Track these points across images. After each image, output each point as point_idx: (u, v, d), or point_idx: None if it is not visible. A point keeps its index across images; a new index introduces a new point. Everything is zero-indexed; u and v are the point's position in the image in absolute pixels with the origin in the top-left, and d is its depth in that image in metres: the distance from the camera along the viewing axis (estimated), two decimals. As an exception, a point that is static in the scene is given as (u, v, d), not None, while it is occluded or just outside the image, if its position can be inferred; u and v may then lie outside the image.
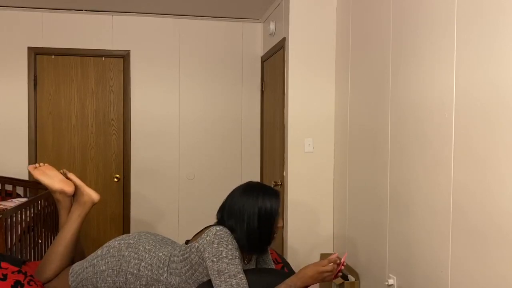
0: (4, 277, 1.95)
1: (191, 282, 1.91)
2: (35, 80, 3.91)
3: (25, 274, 2.03)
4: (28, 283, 2.00)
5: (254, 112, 4.23)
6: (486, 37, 1.67)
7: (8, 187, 3.74)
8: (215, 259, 1.79)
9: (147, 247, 2.02)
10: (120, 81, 4.06)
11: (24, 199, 3.34)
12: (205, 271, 1.86)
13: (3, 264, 2.01)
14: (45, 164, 2.30)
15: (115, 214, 4.10)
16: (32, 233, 2.92)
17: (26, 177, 3.87)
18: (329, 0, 3.22)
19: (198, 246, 1.86)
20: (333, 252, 3.25)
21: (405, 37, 2.26)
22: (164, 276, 1.93)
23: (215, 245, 1.81)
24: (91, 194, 2.26)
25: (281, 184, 3.41)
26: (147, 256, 1.98)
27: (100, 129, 4.06)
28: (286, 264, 2.41)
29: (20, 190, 3.77)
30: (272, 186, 3.48)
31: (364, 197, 2.76)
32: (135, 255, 1.98)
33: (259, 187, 2.00)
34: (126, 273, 1.96)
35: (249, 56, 4.22)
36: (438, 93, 1.97)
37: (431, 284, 2.04)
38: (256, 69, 4.22)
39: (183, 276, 1.91)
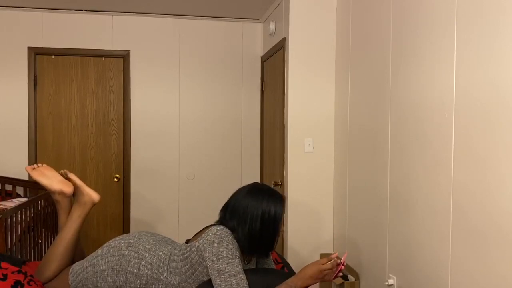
0: (4, 277, 1.95)
1: (191, 282, 1.91)
2: (35, 80, 3.91)
3: (25, 274, 2.03)
4: (28, 283, 2.00)
5: (254, 112, 4.23)
6: (486, 37, 1.67)
7: (8, 187, 3.74)
8: (215, 259, 1.79)
9: (147, 246, 2.02)
10: (120, 81, 4.06)
11: (24, 199, 3.34)
12: (205, 270, 1.86)
13: (3, 264, 2.01)
14: (43, 165, 2.29)
15: (115, 214, 4.10)
16: (32, 233, 2.92)
17: (26, 177, 3.86)
18: (329, 0, 3.22)
19: (198, 246, 1.86)
20: (333, 252, 3.25)
21: (405, 37, 2.26)
22: (164, 275, 1.93)
23: (216, 245, 1.81)
24: (91, 194, 2.26)
25: (281, 184, 3.41)
26: (147, 255, 1.98)
27: (100, 129, 4.06)
28: (286, 264, 2.40)
29: (20, 190, 3.77)
30: (272, 186, 3.48)
31: (364, 197, 2.76)
32: (135, 254, 1.98)
33: (265, 190, 1.98)
34: (126, 272, 1.96)
35: (249, 56, 4.22)
36: (438, 93, 1.97)
37: (431, 284, 2.04)
38: (256, 69, 4.22)
39: (183, 276, 1.91)
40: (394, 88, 2.38)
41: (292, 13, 3.20)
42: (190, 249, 1.90)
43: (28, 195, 3.68)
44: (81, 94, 4.02)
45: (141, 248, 2.01)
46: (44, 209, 3.15)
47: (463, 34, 1.80)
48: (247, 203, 1.92)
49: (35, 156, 3.91)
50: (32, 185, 3.68)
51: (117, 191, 4.10)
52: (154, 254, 1.98)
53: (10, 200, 3.36)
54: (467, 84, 1.78)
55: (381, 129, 2.51)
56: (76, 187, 2.26)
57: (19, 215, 2.75)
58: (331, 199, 3.27)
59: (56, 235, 2.94)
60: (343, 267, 1.85)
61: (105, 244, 2.10)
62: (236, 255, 1.82)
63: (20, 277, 2.00)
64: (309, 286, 1.83)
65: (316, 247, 3.26)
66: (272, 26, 3.67)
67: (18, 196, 3.71)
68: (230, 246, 1.82)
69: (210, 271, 1.80)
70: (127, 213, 4.06)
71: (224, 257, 1.79)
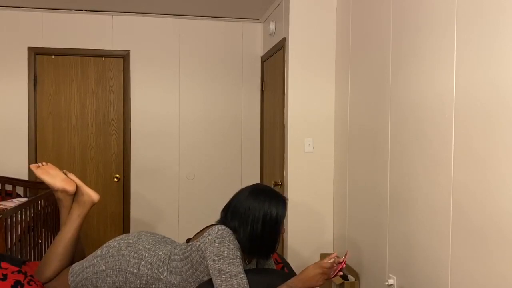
0: (4, 277, 1.95)
1: (191, 281, 1.91)
2: (35, 80, 3.91)
3: (25, 274, 2.03)
4: (28, 283, 2.00)
5: (254, 112, 4.23)
6: (486, 37, 1.67)
7: (8, 187, 3.74)
8: (216, 259, 1.79)
9: (146, 246, 2.02)
10: (120, 81, 4.06)
11: (24, 199, 3.34)
12: (205, 270, 1.86)
13: (3, 264, 2.01)
14: (48, 164, 2.32)
15: (115, 214, 4.10)
16: (32, 233, 2.92)
17: (26, 177, 3.87)
18: (329, 0, 3.22)
19: (199, 245, 1.86)
20: (333, 252, 3.25)
21: (405, 37, 2.26)
22: (164, 275, 1.93)
23: (217, 245, 1.81)
24: (91, 194, 2.26)
25: (281, 184, 3.41)
26: (147, 255, 1.98)
27: (100, 129, 4.06)
28: (286, 264, 2.40)
29: (20, 190, 3.77)
30: (272, 186, 3.47)
31: (364, 197, 2.76)
32: (135, 254, 1.98)
33: (267, 191, 1.98)
34: (126, 273, 1.96)
35: (249, 56, 4.22)
36: (438, 93, 1.97)
37: (431, 284, 2.04)
38: (256, 69, 4.22)
39: (184, 275, 1.91)
40: (394, 88, 2.38)
41: (292, 13, 3.20)
42: (191, 248, 1.89)
43: (28, 195, 3.68)
44: (81, 94, 4.02)
45: (141, 248, 2.01)
46: (44, 209, 3.15)
47: (463, 34, 1.80)
48: (249, 204, 1.92)
49: (35, 156, 3.91)
50: (32, 185, 3.68)
51: (117, 191, 4.10)
52: (154, 253, 1.98)
53: (10, 200, 3.36)
54: (467, 84, 1.78)
55: (381, 129, 2.51)
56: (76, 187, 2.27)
57: (19, 215, 2.75)
58: (331, 199, 3.27)
59: (56, 235, 2.94)
60: (344, 265, 1.85)
61: (104, 245, 2.10)
62: (237, 255, 1.82)
63: (20, 277, 2.00)
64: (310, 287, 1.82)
65: (316, 247, 3.26)
66: (272, 26, 3.67)
67: (18, 196, 3.71)
68: (232, 246, 1.82)
69: (211, 271, 1.80)
70: (127, 213, 4.06)
71: (225, 257, 1.79)
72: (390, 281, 2.39)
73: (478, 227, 1.72)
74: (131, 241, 2.04)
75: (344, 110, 3.05)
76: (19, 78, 3.88)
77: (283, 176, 3.34)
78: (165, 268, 1.94)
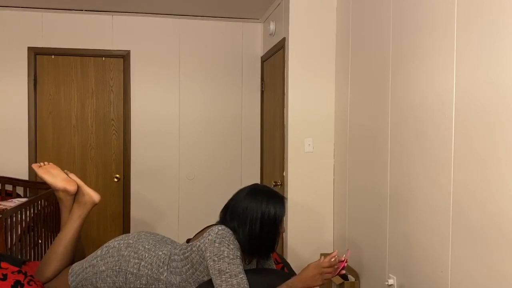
0: (4, 277, 1.95)
1: (191, 281, 1.91)
2: (35, 80, 3.91)
3: (25, 274, 2.03)
4: (28, 283, 2.00)
5: (254, 112, 4.23)
6: (486, 37, 1.67)
7: (8, 187, 3.74)
8: (216, 259, 1.79)
9: (146, 246, 2.02)
10: (120, 81, 4.06)
11: (24, 199, 3.34)
12: (206, 270, 1.86)
13: (3, 264, 2.01)
14: (49, 163, 2.33)
15: (115, 214, 4.10)
16: (32, 233, 2.92)
17: (26, 177, 3.87)
18: (329, 0, 3.22)
19: (199, 245, 1.86)
20: (333, 252, 3.25)
21: (405, 37, 2.26)
22: (164, 275, 1.93)
23: (217, 245, 1.81)
24: (92, 195, 2.27)
25: (281, 184, 3.41)
26: (146, 255, 1.98)
27: (100, 129, 4.06)
28: (286, 264, 2.41)
29: (20, 190, 3.77)
30: (272, 186, 3.48)
31: (364, 197, 2.76)
32: (135, 255, 1.98)
33: (265, 191, 1.98)
34: (126, 273, 1.96)
35: (249, 56, 4.22)
36: (438, 93, 1.97)
37: (431, 284, 2.04)
38: (256, 69, 4.22)
39: (184, 275, 1.91)
40: (394, 88, 2.38)
41: (292, 13, 3.20)
42: (191, 248, 1.89)
43: (28, 195, 3.68)
44: (81, 94, 4.02)
45: (141, 248, 2.01)
46: (44, 209, 3.15)
47: (463, 34, 1.80)
48: (247, 204, 1.92)
49: (35, 156, 3.91)
50: (32, 185, 3.68)
51: (117, 191, 4.10)
52: (154, 254, 1.98)
53: (10, 200, 3.36)
54: (467, 84, 1.78)
55: (381, 129, 2.51)
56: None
57: (19, 215, 2.75)
58: (331, 199, 3.27)
59: (56, 235, 2.94)
60: (346, 264, 1.85)
61: (104, 245, 2.10)
62: (237, 256, 1.82)
63: (20, 277, 2.00)
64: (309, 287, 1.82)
65: (316, 247, 3.26)
66: (272, 26, 3.67)
67: (18, 196, 3.71)
68: (232, 246, 1.82)
69: (211, 271, 1.80)
70: (127, 213, 4.06)
71: (225, 257, 1.79)
72: (390, 281, 2.39)
73: (478, 227, 1.72)
74: (131, 242, 2.04)
75: (344, 110, 3.05)
76: (19, 78, 3.88)
77: (283, 176, 3.34)
78: (165, 268, 1.94)
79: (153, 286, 1.94)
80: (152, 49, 4.06)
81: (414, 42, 2.17)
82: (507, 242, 1.57)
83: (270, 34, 3.77)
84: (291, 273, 2.25)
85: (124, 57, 4.03)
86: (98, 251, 2.08)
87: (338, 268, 1.83)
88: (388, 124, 2.44)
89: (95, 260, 2.04)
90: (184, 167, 4.15)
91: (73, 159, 4.01)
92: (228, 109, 4.20)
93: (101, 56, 4.02)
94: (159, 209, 4.12)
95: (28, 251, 2.84)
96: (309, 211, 3.24)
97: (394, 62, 2.38)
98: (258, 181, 4.18)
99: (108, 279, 1.98)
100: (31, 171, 3.86)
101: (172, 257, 1.95)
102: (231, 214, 1.95)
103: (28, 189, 3.70)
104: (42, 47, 3.90)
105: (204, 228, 1.99)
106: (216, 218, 2.04)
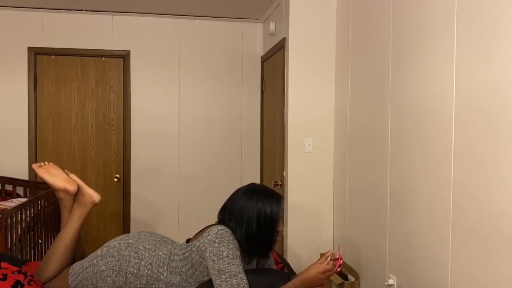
0: (4, 277, 1.95)
1: (191, 281, 1.91)
2: (35, 80, 3.91)
3: (25, 274, 2.03)
4: (28, 283, 2.00)
5: (254, 112, 4.23)
6: (486, 37, 1.67)
7: (8, 187, 3.74)
8: (216, 259, 1.79)
9: (146, 246, 2.02)
10: (120, 81, 4.06)
11: (24, 199, 3.33)
12: (205, 270, 1.86)
13: (3, 264, 2.01)
14: (50, 163, 2.33)
15: (115, 214, 4.10)
16: (32, 233, 2.92)
17: (26, 177, 3.87)
18: (329, 0, 3.22)
19: (199, 245, 1.86)
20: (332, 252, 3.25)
21: (405, 37, 2.26)
22: (164, 275, 1.93)
23: (216, 245, 1.81)
24: (92, 195, 2.27)
25: (281, 184, 3.41)
26: (147, 255, 1.98)
27: (100, 129, 4.06)
28: (286, 264, 2.41)
29: (20, 190, 3.76)
30: (272, 186, 3.48)
31: (364, 197, 2.76)
32: (135, 255, 1.98)
33: (261, 190, 1.98)
34: (126, 273, 1.96)
35: (249, 56, 4.22)
36: (438, 93, 1.97)
37: (431, 284, 2.04)
38: (256, 69, 4.22)
39: (184, 275, 1.91)
40: (394, 88, 2.38)
41: (292, 13, 3.20)
42: (191, 248, 1.90)
43: (28, 195, 3.68)
44: (81, 94, 4.02)
45: (141, 248, 2.01)
46: (44, 209, 3.15)
47: (463, 34, 1.81)
48: (243, 204, 1.92)
49: (35, 156, 3.91)
50: (32, 185, 3.68)
51: (117, 191, 4.10)
52: (154, 254, 1.98)
53: (10, 200, 3.36)
54: (467, 84, 1.78)
55: (381, 129, 2.51)
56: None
57: (19, 215, 2.75)
58: (331, 199, 3.27)
59: (56, 235, 2.94)
60: (341, 261, 1.85)
61: (104, 245, 2.10)
62: (236, 255, 1.82)
63: (20, 277, 2.00)
64: None
65: (316, 247, 3.26)
66: (272, 26, 3.67)
67: (18, 196, 3.71)
68: (231, 246, 1.82)
69: (210, 271, 1.80)
70: (127, 213, 4.06)
71: (225, 257, 1.79)
72: (390, 281, 2.39)
73: (478, 227, 1.72)
74: (131, 241, 2.04)
75: (344, 110, 3.05)
76: (19, 78, 3.88)
77: (283, 176, 3.34)
78: (165, 268, 1.94)
79: (153, 286, 1.94)
80: (152, 49, 4.07)
81: (414, 42, 2.17)
82: (507, 242, 1.57)
83: (270, 34, 3.77)
84: (291, 273, 2.25)
85: (124, 57, 4.03)
86: (98, 251, 2.08)
87: (335, 266, 1.84)
88: (388, 124, 2.44)
89: (95, 260, 2.04)
90: (184, 167, 4.15)
91: (73, 159, 4.01)
92: (228, 109, 4.20)
93: (101, 56, 4.02)
94: (159, 209, 4.12)
95: (28, 251, 2.83)
96: (309, 211, 3.24)
97: (394, 62, 2.38)
98: (258, 181, 4.19)
99: (108, 279, 1.98)
100: (31, 171, 3.86)
101: (172, 257, 1.95)
102: (228, 214, 1.95)
103: (28, 189, 3.70)
104: (42, 47, 3.90)
105: (204, 228, 1.99)
106: (216, 217, 2.04)
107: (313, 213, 3.25)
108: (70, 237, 2.18)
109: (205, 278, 1.88)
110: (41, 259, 2.91)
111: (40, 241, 3.05)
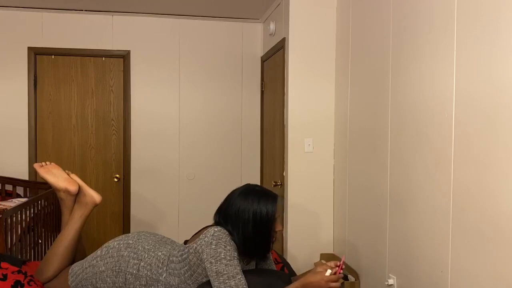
0: (4, 277, 1.95)
1: (190, 283, 1.91)
2: (35, 80, 3.91)
3: (25, 274, 2.03)
4: (28, 283, 2.00)
5: (254, 112, 4.23)
6: (486, 37, 1.67)
7: (8, 187, 3.74)
8: (213, 260, 1.79)
9: (146, 247, 2.01)
10: (120, 81, 4.06)
11: (24, 199, 3.33)
12: (204, 272, 1.86)
13: (3, 264, 2.01)
14: (51, 163, 2.33)
15: (115, 214, 4.10)
16: (32, 233, 2.92)
17: (26, 177, 3.87)
18: (329, 0, 3.22)
19: (196, 247, 1.85)
20: (332, 252, 3.25)
21: (405, 37, 2.26)
22: (163, 276, 1.93)
23: (213, 246, 1.80)
24: (93, 195, 2.27)
25: (281, 184, 3.41)
26: (146, 256, 1.98)
27: (100, 129, 4.06)
28: (286, 264, 2.40)
29: (20, 190, 3.76)
30: (272, 186, 3.48)
31: (364, 197, 2.76)
32: (134, 255, 1.98)
33: (256, 191, 1.96)
34: (126, 273, 1.96)
35: (249, 56, 4.22)
36: (438, 93, 1.97)
37: (431, 284, 2.04)
38: (256, 69, 4.22)
39: (182, 277, 1.90)
40: (394, 88, 2.38)
41: (292, 13, 3.20)
42: (188, 250, 1.89)
43: (28, 195, 3.68)
44: (81, 94, 4.02)
45: (140, 248, 2.00)
46: (44, 209, 3.15)
47: (463, 34, 1.80)
48: (238, 206, 1.90)
49: (35, 156, 3.91)
50: (32, 185, 3.68)
51: (117, 191, 4.10)
52: (153, 254, 1.98)
53: (10, 200, 3.35)
54: (467, 84, 1.78)
55: (381, 129, 2.51)
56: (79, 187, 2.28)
57: (19, 215, 2.75)
58: (331, 198, 3.27)
59: (56, 235, 2.94)
60: (341, 270, 1.84)
61: (104, 245, 2.10)
62: (234, 256, 1.81)
63: (20, 277, 2.00)
64: None
65: (316, 247, 3.26)
66: (272, 26, 3.67)
67: (18, 196, 3.71)
68: (228, 247, 1.82)
69: (208, 273, 1.80)
70: (127, 213, 4.06)
71: (222, 258, 1.79)
72: (390, 281, 2.39)
73: (478, 227, 1.72)
74: (131, 242, 2.04)
75: (344, 110, 3.05)
76: (19, 78, 3.88)
77: (283, 176, 3.34)
78: (164, 269, 1.94)
79: (152, 287, 1.94)
80: (152, 49, 4.06)
81: (414, 42, 2.17)
82: (507, 242, 1.57)
83: (270, 34, 3.77)
84: (291, 274, 2.25)
85: (124, 57, 4.03)
86: (98, 251, 2.08)
87: (337, 273, 1.82)
88: (388, 124, 2.44)
89: (95, 261, 2.04)
90: (184, 167, 4.15)
91: (73, 159, 4.01)
92: (228, 109, 4.20)
93: (101, 56, 4.02)
94: (159, 209, 4.12)
95: (28, 251, 2.83)
96: (309, 211, 3.24)
97: (394, 62, 2.38)
98: (258, 181, 4.19)
99: (108, 280, 1.98)
100: (31, 171, 3.86)
101: (171, 258, 1.95)
102: (224, 217, 1.93)
103: (28, 189, 3.70)
104: (42, 47, 3.90)
105: (201, 229, 1.98)
106: (214, 218, 2.04)
107: (313, 213, 3.25)
108: (70, 238, 2.18)
109: (204, 280, 1.88)
110: (41, 259, 2.91)
111: (40, 241, 3.05)
